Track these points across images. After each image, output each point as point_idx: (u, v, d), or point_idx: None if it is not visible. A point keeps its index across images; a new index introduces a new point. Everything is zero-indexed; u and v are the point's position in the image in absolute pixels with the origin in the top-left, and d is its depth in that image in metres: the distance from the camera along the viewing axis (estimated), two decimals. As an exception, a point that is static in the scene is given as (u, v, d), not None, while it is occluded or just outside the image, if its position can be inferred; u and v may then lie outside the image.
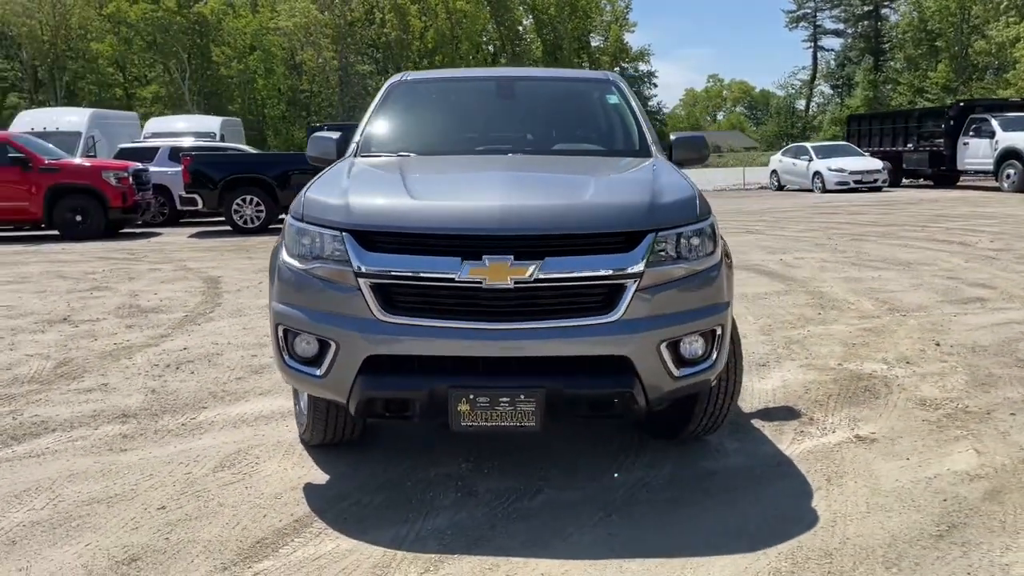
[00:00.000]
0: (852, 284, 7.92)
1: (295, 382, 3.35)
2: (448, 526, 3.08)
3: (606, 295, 3.09)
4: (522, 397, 3.03)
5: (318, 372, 3.17)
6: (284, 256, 3.30)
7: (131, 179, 14.48)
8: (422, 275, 3.04)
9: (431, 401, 3.07)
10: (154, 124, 21.86)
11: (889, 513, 3.13)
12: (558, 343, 3.05)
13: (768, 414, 4.29)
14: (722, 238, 3.47)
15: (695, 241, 3.23)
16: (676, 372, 3.19)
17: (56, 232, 14.32)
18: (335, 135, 4.42)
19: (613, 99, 4.64)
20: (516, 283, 3.00)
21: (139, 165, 15.22)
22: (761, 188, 29.14)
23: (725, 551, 2.86)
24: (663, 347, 3.13)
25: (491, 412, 3.06)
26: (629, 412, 3.19)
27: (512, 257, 3.01)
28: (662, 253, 3.14)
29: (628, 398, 3.12)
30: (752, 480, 3.48)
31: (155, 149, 17.55)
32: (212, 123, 22.36)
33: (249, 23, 70.46)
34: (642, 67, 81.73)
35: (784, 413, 4.29)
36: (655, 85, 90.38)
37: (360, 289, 3.07)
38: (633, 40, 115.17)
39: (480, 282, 3.00)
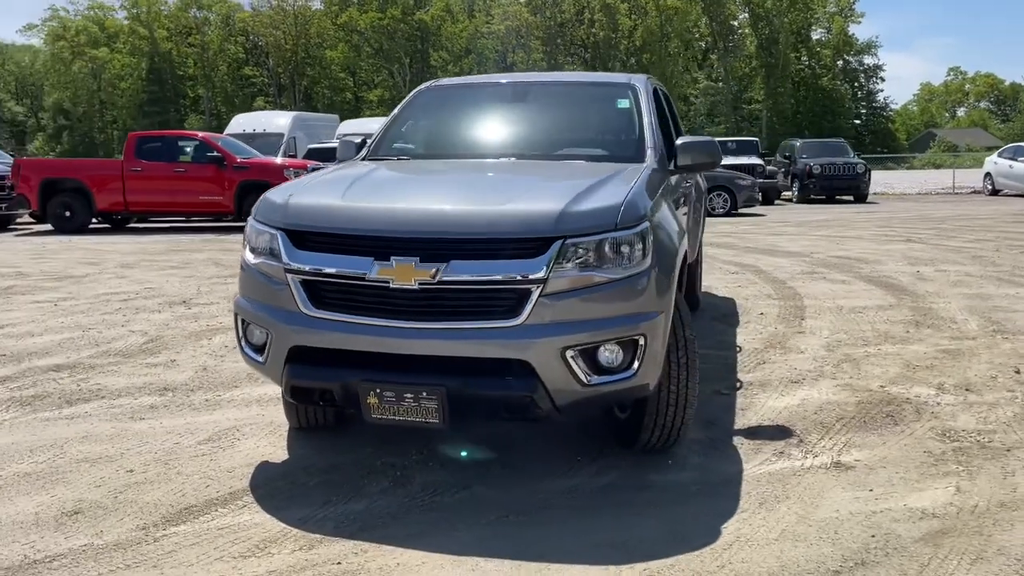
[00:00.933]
0: (975, 302, 7.23)
1: (251, 367, 3.66)
2: (360, 511, 3.26)
3: (511, 300, 3.14)
4: (424, 394, 3.15)
5: (261, 359, 3.46)
6: (244, 252, 3.61)
7: (309, 176, 15.66)
8: (339, 273, 3.24)
9: (345, 393, 3.27)
10: (348, 125, 23.40)
11: (798, 543, 2.97)
12: (460, 344, 3.14)
13: (758, 432, 4.11)
14: (679, 245, 3.43)
15: (612, 250, 3.20)
16: (587, 379, 3.18)
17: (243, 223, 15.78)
18: (358, 140, 4.71)
19: (623, 104, 4.60)
20: (421, 284, 3.13)
21: (318, 164, 16.44)
22: (973, 192, 26.69)
23: (590, 561, 2.84)
24: (569, 353, 3.13)
25: (397, 407, 3.21)
26: (534, 415, 3.22)
27: (417, 259, 3.13)
28: (571, 260, 3.14)
29: (529, 402, 3.16)
30: (681, 496, 3.39)
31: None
32: (283, 120, 23.32)
33: (465, 28, 73.45)
34: (867, 60, 76.91)
35: (776, 432, 4.10)
36: (882, 79, 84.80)
37: (288, 284, 3.32)
38: (860, 31, 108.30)
39: (388, 282, 3.15)
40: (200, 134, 17.00)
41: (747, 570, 2.79)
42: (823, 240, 12.55)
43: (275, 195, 3.61)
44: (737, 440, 4.01)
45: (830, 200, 23.32)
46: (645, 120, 4.43)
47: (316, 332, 3.28)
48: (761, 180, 21.15)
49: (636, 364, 3.26)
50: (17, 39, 77.98)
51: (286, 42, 75.16)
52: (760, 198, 19.27)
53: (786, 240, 12.41)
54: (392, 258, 3.16)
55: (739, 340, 5.92)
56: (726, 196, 18.06)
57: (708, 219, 16.92)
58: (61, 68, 74.96)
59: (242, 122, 22.94)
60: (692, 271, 6.49)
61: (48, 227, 16.30)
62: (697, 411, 4.28)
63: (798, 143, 24.52)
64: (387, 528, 3.11)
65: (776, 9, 70.41)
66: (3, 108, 76.78)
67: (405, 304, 3.17)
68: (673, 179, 4.45)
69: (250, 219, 3.62)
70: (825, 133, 56.36)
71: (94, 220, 16.33)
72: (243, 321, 3.57)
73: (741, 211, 18.70)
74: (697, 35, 75.75)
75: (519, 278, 3.11)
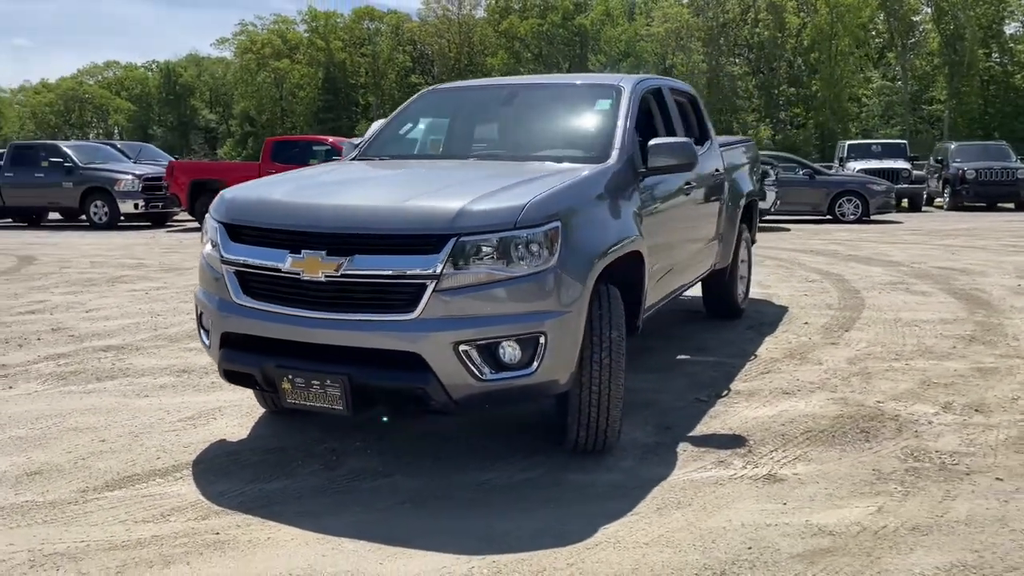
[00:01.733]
0: (1058, 318, 6.63)
1: (205, 351, 3.97)
2: (275, 489, 3.48)
3: (408, 294, 3.26)
4: (328, 382, 3.34)
5: (208, 343, 3.77)
6: (203, 244, 3.93)
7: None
8: (260, 265, 3.49)
9: (264, 377, 3.50)
10: None
11: (665, 549, 2.93)
12: (360, 335, 3.31)
13: (710, 440, 4.03)
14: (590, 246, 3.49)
15: (509, 248, 3.26)
16: (483, 375, 3.26)
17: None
18: (358, 141, 4.97)
19: (603, 105, 4.60)
20: (327, 277, 3.32)
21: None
22: None
23: (449, 550, 2.92)
24: (462, 348, 3.23)
25: (307, 393, 3.41)
26: (431, 407, 3.33)
27: (324, 253, 3.33)
28: (466, 258, 3.23)
29: (422, 393, 3.28)
30: (585, 496, 3.40)
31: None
32: None
33: (624, 31, 73.11)
34: (1067, 57, 70.23)
35: (729, 441, 4.00)
36: (1085, 78, 77.28)
37: (224, 275, 3.60)
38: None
39: (299, 274, 3.37)
40: (331, 139, 17.94)
41: (594, 570, 2.79)
42: (938, 250, 11.75)
43: (227, 191, 3.90)
44: (684, 446, 3.94)
45: (990, 208, 21.66)
46: (619, 121, 4.42)
47: (242, 319, 3.54)
48: (906, 185, 19.95)
49: (536, 362, 3.31)
50: (212, 52, 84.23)
51: (450, 50, 77.59)
52: (894, 205, 18.17)
53: (898, 249, 11.71)
54: (303, 251, 3.36)
55: (761, 349, 5.73)
56: (857, 202, 17.19)
57: (832, 225, 16.28)
58: (248, 78, 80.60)
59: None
60: (721, 279, 6.34)
61: (198, 224, 17.72)
62: (661, 416, 4.30)
63: (952, 146, 22.90)
64: (285, 506, 3.31)
65: (963, 3, 65.66)
66: (198, 116, 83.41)
67: (314, 295, 3.37)
68: (649, 180, 4.40)
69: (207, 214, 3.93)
70: (1018, 136, 52.03)
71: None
72: (196, 308, 3.89)
73: (875, 218, 17.72)
74: (873, 32, 71.83)
75: (414, 273, 3.24)
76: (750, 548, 2.94)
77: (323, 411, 3.44)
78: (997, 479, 3.52)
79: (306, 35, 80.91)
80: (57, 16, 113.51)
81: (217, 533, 3.06)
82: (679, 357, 5.60)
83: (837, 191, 17.28)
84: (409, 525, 3.14)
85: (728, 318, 6.63)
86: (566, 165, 4.09)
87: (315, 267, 3.33)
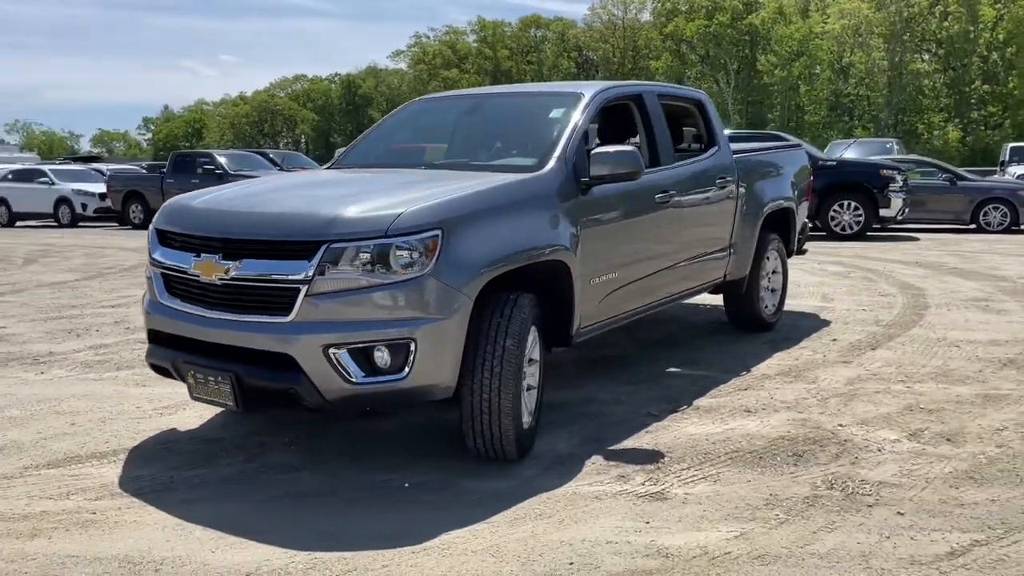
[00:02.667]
0: None
1: None
2: (183, 477, 3.74)
3: (285, 298, 3.44)
4: (220, 379, 3.57)
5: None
6: None
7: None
8: (173, 267, 3.78)
9: (176, 372, 3.79)
10: None
11: (490, 558, 2.96)
12: (246, 335, 3.52)
13: (627, 454, 3.96)
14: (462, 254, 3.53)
15: (380, 256, 3.37)
16: (355, 377, 3.39)
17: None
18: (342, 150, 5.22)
19: (557, 113, 4.59)
20: (219, 279, 3.56)
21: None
22: None
23: (280, 544, 3.06)
24: (332, 351, 3.37)
25: (205, 388, 3.66)
26: (306, 406, 3.50)
27: (219, 256, 3.57)
28: (337, 264, 3.37)
29: (295, 393, 3.44)
30: (456, 502, 3.44)
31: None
32: None
33: (798, 29, 70.24)
34: None
35: (645, 457, 3.92)
36: None
37: (152, 276, 3.92)
38: None
39: (199, 276, 3.63)
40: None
41: (403, 572, 2.86)
42: (1066, 264, 10.64)
43: (170, 199, 4.22)
44: (596, 459, 3.90)
45: None
46: (566, 131, 4.40)
47: (162, 317, 3.84)
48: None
49: (407, 368, 3.40)
50: (388, 64, 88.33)
51: (614, 55, 77.53)
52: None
53: (1018, 264, 10.69)
54: (202, 255, 3.62)
55: (761, 365, 5.49)
56: (1005, 210, 15.79)
57: (973, 235, 14.90)
58: (420, 88, 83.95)
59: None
60: (738, 290, 6.11)
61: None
62: (598, 428, 4.28)
63: None
64: (178, 493, 3.57)
65: None
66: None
67: (211, 296, 3.62)
68: (602, 189, 4.36)
69: (153, 221, 4.26)
70: None
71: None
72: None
73: (1026, 228, 16.21)
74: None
75: (289, 278, 3.41)
76: (571, 563, 2.91)
77: (220, 406, 3.68)
78: (898, 513, 3.27)
79: (475, 45, 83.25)
80: (259, 33, 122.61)
81: (94, 513, 3.35)
82: (668, 369, 5.46)
83: (982, 198, 15.94)
84: (267, 519, 3.30)
85: (753, 331, 6.36)
86: (495, 175, 4.14)
87: (210, 270, 3.57)
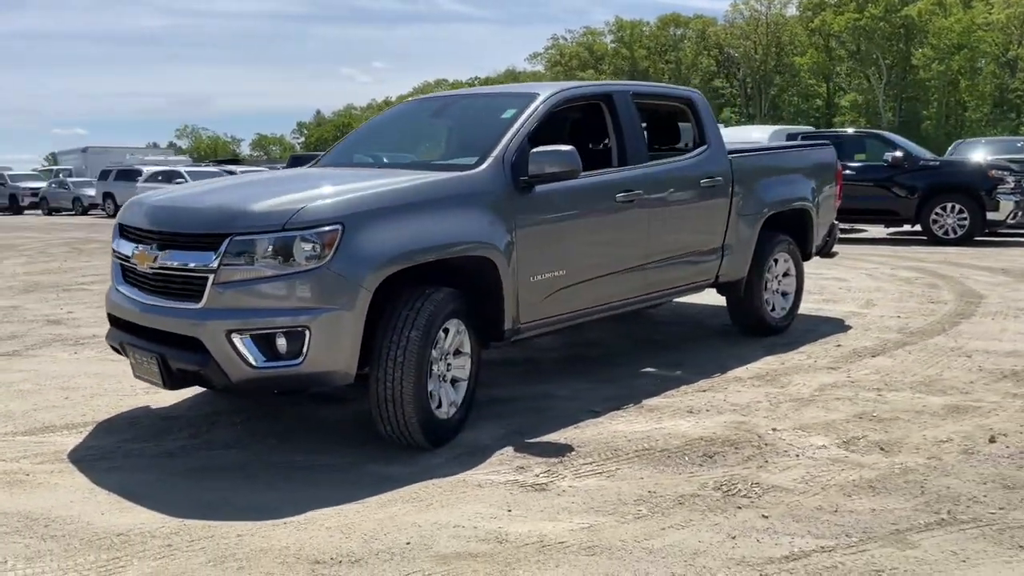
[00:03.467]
0: None
1: None
2: (128, 448, 4.10)
3: (197, 286, 3.75)
4: (149, 359, 3.93)
5: None
6: None
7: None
8: (122, 256, 4.18)
9: (124, 352, 4.18)
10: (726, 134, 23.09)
11: (336, 534, 3.13)
12: (166, 320, 3.86)
13: (538, 448, 4.04)
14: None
15: (276, 247, 3.62)
16: (256, 362, 3.67)
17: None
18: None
19: (508, 114, 4.70)
20: (150, 268, 3.92)
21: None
22: None
23: (160, 510, 3.33)
24: (234, 336, 3.65)
25: (140, 367, 4.03)
26: (215, 387, 3.80)
27: (151, 247, 3.93)
28: (239, 255, 3.65)
29: (206, 375, 3.75)
30: (340, 482, 3.64)
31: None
32: (759, 134, 22.52)
33: (958, 20, 66.07)
34: None
35: (552, 450, 3.99)
36: None
37: (112, 265, 4.34)
38: None
39: (137, 265, 4.00)
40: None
41: (251, 542, 3.09)
42: None
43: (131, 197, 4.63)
44: (506, 450, 4.00)
45: None
46: (509, 131, 4.51)
47: (115, 302, 4.25)
48: None
49: (303, 355, 3.64)
50: (526, 67, 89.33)
51: (756, 51, 75.31)
52: None
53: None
54: (140, 246, 3.99)
55: (740, 369, 5.40)
56: None
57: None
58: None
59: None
60: (736, 292, 6.02)
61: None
62: (531, 422, 4.39)
63: None
64: (109, 462, 3.93)
65: None
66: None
67: (146, 283, 3.99)
68: (546, 188, 4.44)
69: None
70: None
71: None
72: None
73: None
74: None
75: (199, 267, 3.72)
76: (408, 543, 3.06)
77: (153, 384, 4.03)
78: (763, 516, 3.24)
79: (612, 45, 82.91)
80: (410, 40, 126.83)
81: (28, 475, 3.76)
82: (644, 369, 5.46)
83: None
84: (167, 488, 3.60)
85: (759, 334, 6.23)
86: (432, 174, 4.32)
87: (144, 259, 3.93)
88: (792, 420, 4.36)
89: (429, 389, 3.94)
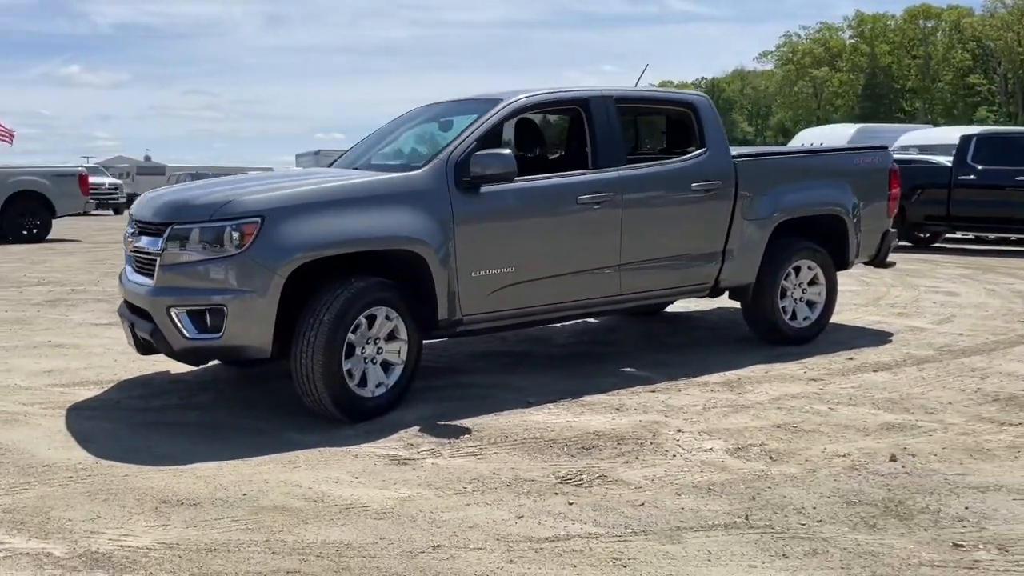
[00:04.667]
0: None
1: None
2: (122, 402, 4.88)
3: (152, 267, 4.44)
4: (127, 327, 4.69)
5: None
6: None
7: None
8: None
9: (123, 322, 4.97)
10: (910, 137, 21.37)
11: (198, 481, 3.65)
12: (135, 294, 4.59)
13: (440, 429, 4.34)
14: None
15: (203, 235, 4.23)
16: (188, 333, 4.30)
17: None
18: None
19: (465, 120, 5.01)
20: (132, 250, 4.69)
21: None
22: None
23: (94, 452, 4.01)
24: (172, 311, 4.31)
25: (125, 335, 4.80)
26: (163, 353, 4.46)
27: (134, 233, 4.69)
28: (176, 241, 4.30)
29: (156, 342, 4.42)
30: (248, 443, 4.15)
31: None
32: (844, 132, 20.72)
33: None
34: None
35: (450, 431, 4.29)
36: None
37: (125, 252, 5.16)
38: None
39: (126, 248, 4.79)
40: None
41: (129, 482, 3.69)
42: None
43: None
44: (413, 429, 4.32)
45: None
46: (459, 135, 4.86)
47: (120, 281, 5.05)
48: None
49: (222, 329, 4.23)
50: (755, 66, 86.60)
51: (1020, 44, 68.19)
52: None
53: None
54: (129, 231, 4.76)
55: (715, 376, 5.35)
56: None
57: None
58: (786, 89, 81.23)
59: (808, 136, 23.13)
60: (744, 297, 5.95)
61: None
62: (462, 407, 4.73)
63: None
64: (94, 412, 4.70)
65: None
66: (737, 128, 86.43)
67: (132, 264, 4.74)
68: (493, 189, 4.75)
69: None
70: None
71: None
72: None
73: None
74: None
75: (151, 251, 4.41)
76: (245, 495, 3.52)
77: (132, 348, 4.78)
78: (569, 503, 3.40)
79: (850, 41, 78.36)
80: (637, 41, 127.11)
81: (27, 416, 4.60)
82: (623, 368, 5.57)
83: None
84: (115, 436, 4.27)
85: (777, 342, 6.08)
86: (376, 175, 4.78)
87: (129, 243, 4.69)
88: (706, 424, 4.36)
89: (347, 368, 4.37)
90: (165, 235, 4.32)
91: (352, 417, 4.42)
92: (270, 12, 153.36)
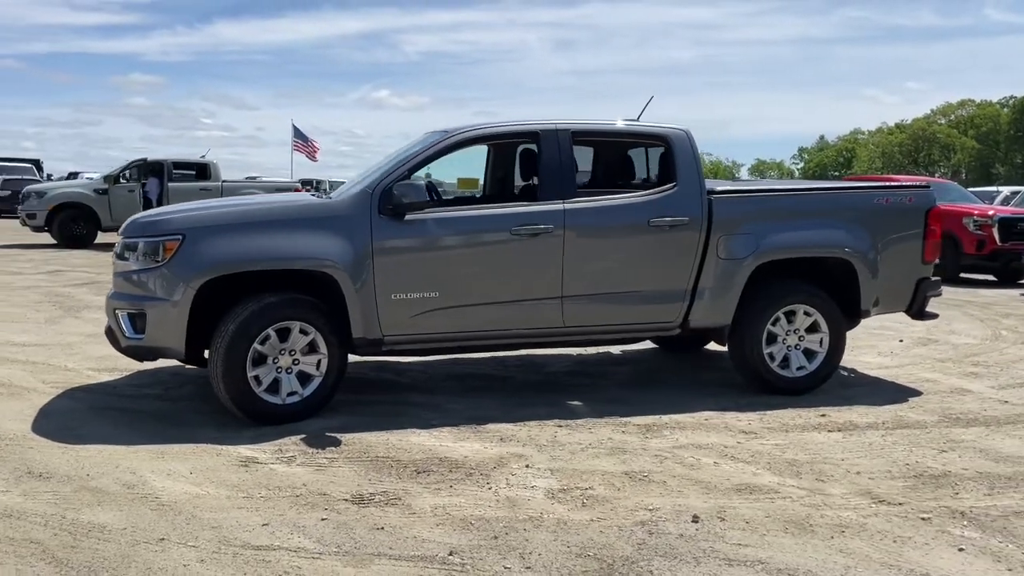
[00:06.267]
0: None
1: None
2: (118, 388, 5.70)
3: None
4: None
5: None
6: None
7: (996, 227, 14.21)
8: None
9: (119, 320, 5.78)
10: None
11: (98, 456, 4.29)
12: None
13: (321, 439, 4.65)
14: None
15: (141, 248, 4.87)
16: (127, 333, 4.98)
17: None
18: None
19: (411, 151, 5.30)
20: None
21: (1009, 212, 14.56)
22: None
23: (60, 436, 4.82)
24: (117, 312, 5.00)
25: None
26: (120, 350, 5.16)
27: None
28: (122, 252, 5.00)
29: (114, 341, 5.14)
30: (176, 433, 4.75)
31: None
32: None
33: None
34: None
35: (326, 442, 4.59)
36: None
37: None
38: None
39: (116, 258, 5.59)
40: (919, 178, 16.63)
41: (62, 456, 4.39)
42: None
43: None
44: (294, 438, 4.62)
45: None
46: (390, 165, 5.17)
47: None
48: None
49: (143, 333, 4.86)
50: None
51: None
52: None
53: None
54: (118, 244, 5.56)
55: (658, 416, 5.16)
56: None
57: None
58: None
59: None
60: (719, 339, 5.68)
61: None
62: (376, 422, 5.04)
63: None
64: (85, 394, 5.51)
65: None
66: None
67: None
68: (420, 217, 5.02)
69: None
70: None
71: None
72: None
73: None
74: None
75: (113, 261, 5.14)
76: (88, 475, 4.07)
77: (116, 344, 5.55)
78: (322, 519, 3.58)
79: None
80: (948, 56, 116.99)
81: (29, 391, 5.51)
82: (571, 401, 5.52)
83: None
84: (74, 417, 4.99)
85: (763, 390, 5.70)
86: (305, 199, 5.20)
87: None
88: (562, 463, 4.30)
89: (254, 375, 4.81)
90: (116, 247, 5.02)
91: (256, 420, 4.84)
92: (560, 37, 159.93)
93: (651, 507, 3.75)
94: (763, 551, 3.33)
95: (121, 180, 17.17)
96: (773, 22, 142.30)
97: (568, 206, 5.27)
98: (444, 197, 6.25)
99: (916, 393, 5.91)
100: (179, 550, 3.27)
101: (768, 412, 5.30)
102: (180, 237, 4.79)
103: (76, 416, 5.03)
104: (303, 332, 4.91)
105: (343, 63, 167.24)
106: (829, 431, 4.94)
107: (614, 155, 5.93)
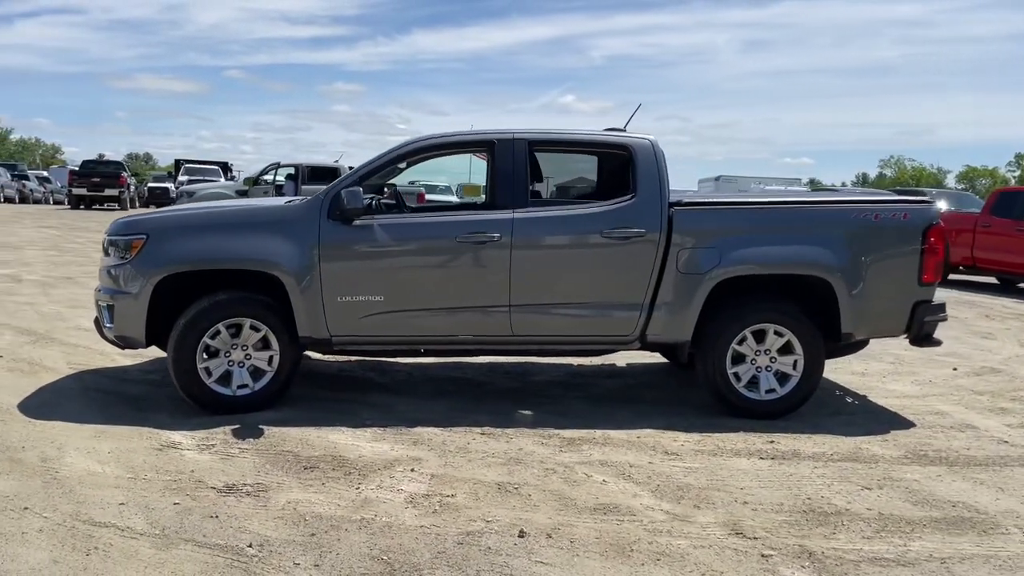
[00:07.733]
0: None
1: None
2: (118, 373, 6.27)
3: (103, 269, 5.70)
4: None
5: None
6: None
7: None
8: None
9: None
10: None
11: (60, 432, 4.80)
12: (106, 290, 5.88)
13: (256, 431, 4.92)
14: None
15: (117, 245, 5.34)
16: (107, 323, 5.47)
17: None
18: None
19: (370, 158, 5.49)
20: (111, 256, 6.02)
21: None
22: None
23: (25, 405, 5.37)
24: (100, 303, 5.51)
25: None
26: (103, 338, 5.67)
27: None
28: (107, 249, 5.49)
29: (100, 331, 5.65)
30: (135, 415, 5.20)
31: None
32: None
33: None
34: None
35: (255, 434, 4.86)
36: None
37: None
38: None
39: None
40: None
41: (29, 432, 4.94)
42: None
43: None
44: (233, 427, 4.94)
45: None
46: (345, 173, 5.37)
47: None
48: None
49: (113, 322, 5.33)
50: None
51: None
52: None
53: None
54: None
55: (592, 431, 5.07)
56: None
57: None
58: None
59: None
60: (677, 357, 5.50)
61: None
62: (303, 416, 5.33)
63: None
64: (89, 375, 6.09)
65: None
66: None
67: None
68: (367, 222, 5.23)
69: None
70: None
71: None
72: None
73: None
74: None
75: (102, 258, 5.66)
76: (23, 447, 4.54)
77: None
78: (175, 503, 3.84)
79: None
80: None
81: (37, 366, 6.15)
82: (523, 411, 5.50)
83: None
84: (58, 395, 5.53)
85: (731, 412, 5.45)
86: (269, 203, 5.50)
87: (110, 250, 6.03)
88: (447, 471, 4.34)
89: (204, 366, 5.17)
90: (102, 244, 5.52)
91: (205, 408, 5.19)
92: (750, 38, 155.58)
93: (490, 519, 3.73)
94: (558, 571, 3.25)
95: (260, 182, 18.43)
96: (988, 18, 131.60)
97: (517, 215, 5.27)
98: (450, 203, 6.37)
99: (908, 425, 5.43)
100: (31, 519, 3.60)
101: (715, 435, 5.06)
102: (144, 236, 5.21)
103: (63, 395, 5.57)
104: (254, 328, 5.21)
105: (531, 69, 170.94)
106: (761, 458, 4.67)
107: (579, 165, 5.83)
